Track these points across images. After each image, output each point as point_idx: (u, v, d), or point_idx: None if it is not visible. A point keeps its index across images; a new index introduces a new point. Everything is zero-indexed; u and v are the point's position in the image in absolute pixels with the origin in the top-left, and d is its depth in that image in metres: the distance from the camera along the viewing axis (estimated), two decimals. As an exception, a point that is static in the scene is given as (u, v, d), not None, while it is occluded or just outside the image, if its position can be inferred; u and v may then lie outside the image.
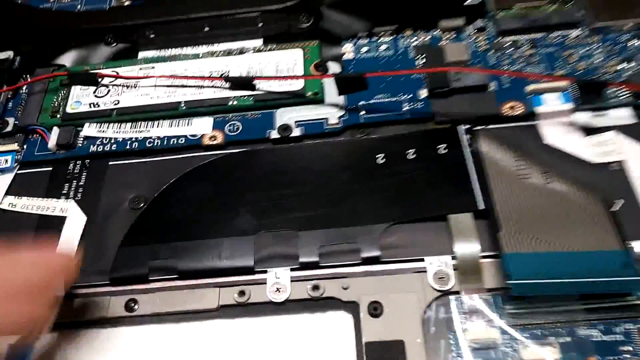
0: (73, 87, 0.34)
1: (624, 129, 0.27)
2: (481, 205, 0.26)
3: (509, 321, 0.23)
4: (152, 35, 0.36)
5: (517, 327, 0.23)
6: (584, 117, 0.28)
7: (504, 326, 0.23)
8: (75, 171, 0.31)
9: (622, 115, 0.28)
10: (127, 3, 0.40)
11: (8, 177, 0.32)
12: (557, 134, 0.28)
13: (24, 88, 0.35)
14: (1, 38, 0.38)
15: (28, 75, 0.36)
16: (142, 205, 0.29)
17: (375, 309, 0.24)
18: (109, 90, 0.33)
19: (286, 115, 0.31)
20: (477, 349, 0.23)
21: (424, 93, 0.30)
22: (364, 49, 0.34)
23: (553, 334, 0.23)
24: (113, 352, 0.25)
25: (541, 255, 0.23)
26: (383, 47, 0.33)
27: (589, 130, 0.28)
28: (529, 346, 0.22)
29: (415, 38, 0.33)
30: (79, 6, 0.40)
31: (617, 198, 0.25)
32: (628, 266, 0.22)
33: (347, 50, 0.34)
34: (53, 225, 0.29)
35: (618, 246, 0.23)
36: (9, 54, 0.37)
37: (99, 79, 0.34)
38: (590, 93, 0.27)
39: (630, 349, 0.22)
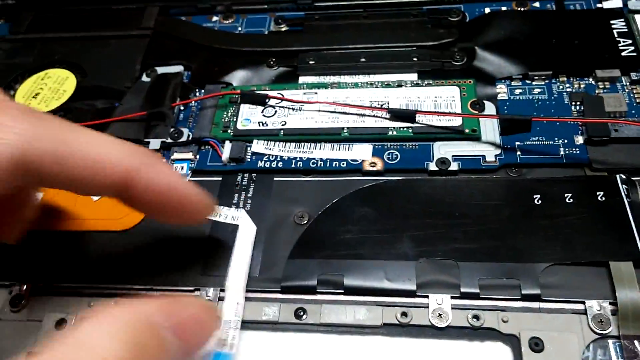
0: (242, 105, 0.37)
1: None
2: (641, 254, 0.27)
3: (670, 370, 0.25)
4: (311, 62, 0.39)
5: (678, 377, 0.24)
6: None
7: (667, 375, 0.25)
8: (243, 183, 0.35)
9: None
10: (284, 28, 0.43)
11: (183, 183, 0.35)
12: None
13: (195, 102, 0.39)
14: (172, 53, 0.42)
15: (197, 90, 0.40)
16: (306, 221, 0.32)
17: (537, 345, 0.26)
18: (275, 111, 0.37)
19: (444, 149, 0.33)
20: (639, 393, 0.24)
21: (580, 139, 0.32)
22: (518, 90, 0.35)
23: None
24: (281, 356, 0.28)
25: None
26: (537, 90, 0.35)
27: None
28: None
29: (569, 85, 0.35)
30: (239, 28, 0.44)
31: None
32: None
33: (501, 90, 0.36)
34: (225, 231, 0.33)
35: None
36: (180, 68, 0.41)
37: (267, 100, 0.37)
38: None
39: None
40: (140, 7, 0.45)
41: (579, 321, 0.26)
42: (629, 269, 0.27)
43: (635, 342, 0.26)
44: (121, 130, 0.37)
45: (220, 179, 0.35)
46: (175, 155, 0.36)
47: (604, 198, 0.30)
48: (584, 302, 0.27)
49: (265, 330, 0.29)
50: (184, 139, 0.37)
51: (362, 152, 0.34)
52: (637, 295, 0.26)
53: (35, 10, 0.47)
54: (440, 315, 0.28)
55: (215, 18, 0.46)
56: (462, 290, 0.28)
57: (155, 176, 0.25)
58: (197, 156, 0.36)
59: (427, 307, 0.28)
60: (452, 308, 0.28)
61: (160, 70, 0.41)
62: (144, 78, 0.41)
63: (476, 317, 0.28)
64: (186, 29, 0.44)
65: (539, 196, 0.30)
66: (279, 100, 0.37)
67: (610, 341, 0.26)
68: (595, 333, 0.26)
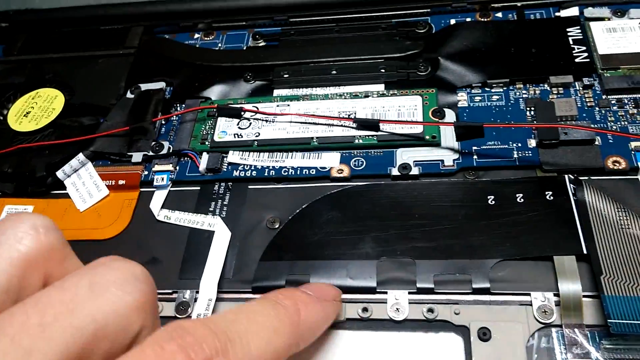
0: (219, 119, 0.40)
1: None
2: (584, 250, 0.29)
3: (605, 355, 0.27)
4: (285, 75, 0.42)
5: (613, 360, 0.27)
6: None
7: (601, 359, 0.27)
8: (220, 192, 0.38)
9: None
10: (262, 44, 0.46)
11: (163, 193, 0.38)
12: (659, 190, 0.31)
13: (175, 116, 0.42)
14: (155, 70, 0.45)
15: (178, 105, 0.43)
16: (277, 225, 0.35)
17: (485, 334, 0.29)
18: (250, 123, 0.39)
19: (406, 155, 0.36)
20: (577, 377, 0.27)
21: (533, 142, 0.35)
22: (477, 98, 0.38)
23: (647, 370, 0.26)
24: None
25: (637, 298, 0.27)
26: (495, 97, 0.38)
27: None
28: (623, 378, 0.26)
29: (525, 91, 0.38)
30: (219, 44, 0.47)
31: None
32: None
33: (462, 98, 0.38)
34: (202, 238, 0.35)
35: None
36: (162, 84, 0.44)
37: (243, 113, 0.40)
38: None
39: None
40: (125, 27, 0.49)
41: (525, 312, 0.29)
42: (572, 263, 0.29)
43: (576, 330, 0.28)
44: (106, 144, 0.40)
45: (198, 188, 0.38)
46: (156, 167, 0.39)
47: (552, 197, 0.32)
48: (529, 294, 0.29)
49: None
50: (164, 151, 0.40)
51: (330, 160, 0.37)
52: (578, 287, 0.28)
53: (27, 33, 0.50)
54: (398, 309, 0.30)
55: (197, 35, 0.48)
56: (419, 286, 0.31)
57: None
58: (177, 167, 0.39)
59: (386, 303, 0.31)
60: (409, 303, 0.31)
61: (144, 87, 0.44)
62: (129, 95, 0.44)
63: (431, 310, 0.30)
64: (169, 47, 0.47)
65: (492, 197, 0.33)
66: (254, 113, 0.40)
67: (553, 330, 0.28)
68: (540, 322, 0.28)
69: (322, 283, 0.31)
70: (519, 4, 0.42)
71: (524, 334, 0.28)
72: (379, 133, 0.37)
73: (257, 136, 0.39)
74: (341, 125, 0.38)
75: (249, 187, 0.37)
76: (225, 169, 0.38)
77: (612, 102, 0.35)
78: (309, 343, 0.26)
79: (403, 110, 0.38)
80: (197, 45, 0.48)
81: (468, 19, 0.43)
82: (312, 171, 0.37)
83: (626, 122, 0.34)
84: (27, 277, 0.18)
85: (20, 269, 0.18)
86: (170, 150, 0.40)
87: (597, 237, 0.30)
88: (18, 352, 0.16)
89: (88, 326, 0.17)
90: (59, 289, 0.18)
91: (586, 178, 0.32)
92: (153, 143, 0.40)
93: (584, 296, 0.29)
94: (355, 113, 0.38)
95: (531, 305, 0.29)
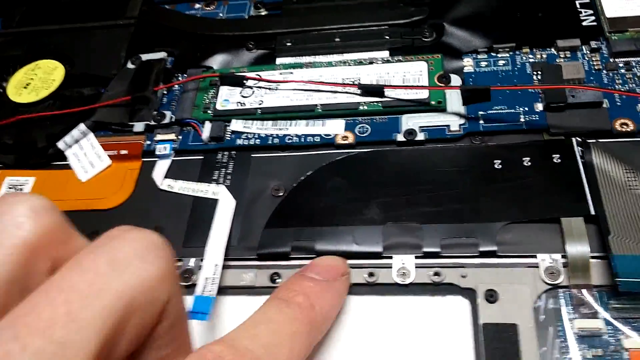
0: (222, 87, 0.40)
1: None
2: (592, 211, 0.30)
3: (613, 314, 0.27)
4: (288, 44, 0.42)
5: (620, 319, 0.27)
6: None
7: (609, 318, 0.27)
8: (223, 160, 0.38)
9: None
10: (264, 13, 0.46)
11: (166, 163, 0.39)
12: (667, 151, 0.31)
13: (178, 86, 0.42)
14: (156, 40, 0.45)
15: (179, 75, 0.43)
16: (282, 193, 0.35)
17: (491, 296, 0.29)
18: (253, 92, 0.40)
19: (411, 121, 0.36)
20: (583, 337, 0.27)
21: (540, 106, 0.35)
22: (483, 63, 0.38)
23: (653, 327, 0.27)
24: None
25: (645, 258, 0.27)
26: (501, 62, 0.38)
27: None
28: (632, 336, 0.27)
29: (532, 55, 0.38)
30: (221, 14, 0.47)
31: None
32: None
33: (468, 64, 0.38)
34: (206, 207, 0.36)
35: None
36: (163, 54, 0.44)
37: (245, 81, 0.40)
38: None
39: None
40: (125, -3, 0.48)
41: (532, 274, 0.29)
42: (580, 224, 0.30)
43: (584, 290, 0.28)
44: (107, 114, 0.40)
45: (202, 157, 0.38)
46: (159, 137, 0.39)
47: (559, 160, 0.32)
48: (536, 256, 0.29)
49: (244, 294, 0.32)
50: (166, 121, 0.40)
51: (335, 127, 0.37)
52: (586, 249, 0.29)
53: (26, 4, 0.50)
54: (404, 273, 0.31)
55: (197, 5, 0.48)
56: (425, 250, 0.31)
57: None
58: (180, 137, 0.39)
59: (392, 267, 0.31)
60: (416, 267, 0.31)
61: (145, 57, 0.44)
62: (129, 65, 0.44)
63: (437, 274, 0.30)
64: (169, 17, 0.47)
65: (499, 161, 0.33)
66: (257, 81, 0.40)
67: (560, 291, 0.29)
68: (547, 284, 0.29)
69: (328, 257, 0.31)
70: (526, -32, 0.42)
71: (531, 296, 0.29)
72: (384, 99, 0.37)
73: (260, 104, 0.39)
74: (345, 92, 0.38)
75: (253, 155, 0.37)
76: (228, 138, 0.38)
77: (620, 65, 0.35)
78: (327, 329, 0.27)
79: (408, 76, 0.38)
80: (199, 16, 0.47)
81: (474, -16, 0.43)
82: (317, 139, 0.37)
83: (634, 85, 0.34)
84: (33, 264, 0.17)
85: (24, 257, 0.17)
86: (173, 120, 0.40)
87: (605, 198, 0.30)
88: (52, 348, 0.15)
89: (117, 305, 0.16)
90: (78, 271, 0.17)
91: (594, 140, 0.33)
92: (155, 112, 0.40)
93: (592, 257, 0.29)
94: (359, 80, 0.38)
95: (538, 267, 0.29)
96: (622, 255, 0.27)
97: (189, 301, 0.29)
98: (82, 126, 0.40)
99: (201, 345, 0.21)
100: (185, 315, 0.21)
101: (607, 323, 0.27)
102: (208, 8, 0.48)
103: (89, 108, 0.40)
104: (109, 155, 0.39)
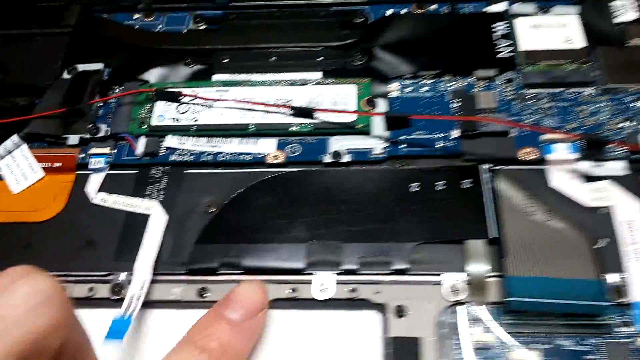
0: (157, 102, 0.43)
1: (617, 179, 0.35)
2: (493, 234, 0.34)
3: (504, 329, 0.32)
4: (225, 60, 0.45)
5: (510, 334, 0.31)
6: (586, 166, 0.36)
7: (500, 333, 0.32)
8: (157, 176, 0.40)
9: (617, 167, 0.36)
10: (202, 27, 0.49)
11: (101, 176, 0.41)
12: (561, 179, 0.36)
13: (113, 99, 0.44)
14: (93, 51, 0.47)
15: (116, 87, 0.45)
16: (213, 210, 0.38)
17: (400, 311, 0.33)
18: (189, 108, 0.42)
19: (338, 143, 0.40)
20: (477, 349, 0.31)
21: (455, 133, 0.39)
22: (408, 88, 0.42)
23: (538, 341, 0.31)
24: (184, 330, 0.34)
25: (535, 279, 0.31)
26: (424, 88, 0.42)
27: (588, 178, 0.36)
28: (517, 350, 0.31)
29: (453, 83, 0.42)
30: (160, 25, 0.50)
31: (603, 237, 0.33)
32: (600, 294, 0.30)
33: (394, 88, 0.42)
34: (138, 222, 0.38)
35: (595, 277, 0.31)
36: (100, 66, 0.47)
37: (181, 97, 0.43)
38: (593, 148, 0.35)
39: (596, 357, 0.30)
40: (62, 4, 0.50)
41: (437, 291, 0.33)
42: (480, 246, 0.34)
43: (480, 307, 0.33)
44: (42, 126, 0.42)
45: (136, 172, 0.41)
46: (93, 150, 0.41)
47: (468, 185, 0.36)
48: (441, 275, 0.33)
49: (172, 308, 0.35)
50: (101, 134, 0.42)
51: (266, 146, 0.40)
52: (484, 269, 0.33)
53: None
54: (323, 289, 0.34)
55: (137, 15, 0.51)
56: (344, 267, 0.34)
57: None
58: (114, 151, 0.42)
59: (313, 283, 0.34)
60: (336, 283, 0.34)
61: (81, 67, 0.46)
62: (65, 75, 0.46)
63: (354, 290, 0.34)
64: (107, 27, 0.49)
65: (416, 184, 0.37)
66: (192, 98, 0.43)
67: (460, 307, 0.33)
68: (449, 301, 0.33)
69: (249, 288, 0.32)
70: (452, -3, 0.46)
71: (435, 311, 0.33)
72: (314, 121, 0.40)
73: (195, 121, 0.42)
74: (278, 112, 0.41)
75: (186, 171, 0.40)
76: (162, 153, 0.41)
77: (530, 95, 0.40)
78: None
79: (338, 98, 0.41)
80: (137, 26, 0.50)
81: (404, 10, 0.47)
82: (249, 157, 0.40)
83: (541, 115, 0.39)
84: None
85: None
86: (108, 133, 0.42)
87: (506, 222, 0.34)
88: None
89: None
90: None
91: (500, 167, 0.37)
92: (90, 125, 0.42)
93: (490, 277, 0.33)
94: (292, 100, 0.42)
95: (442, 284, 0.33)
96: (515, 276, 0.32)
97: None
98: (15, 137, 0.42)
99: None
100: (86, 348, 0.22)
101: (499, 337, 0.32)
102: (147, 19, 0.50)
103: (23, 119, 0.42)
104: (43, 168, 0.41)
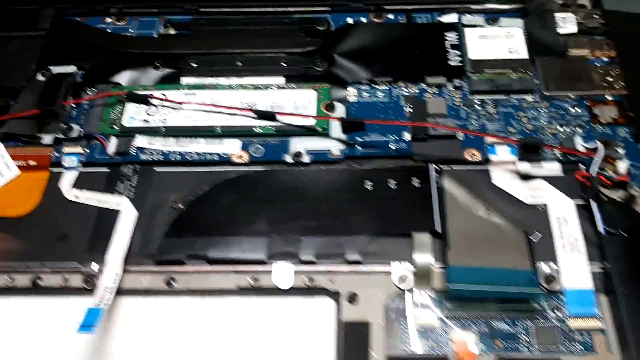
0: (128, 104, 0.46)
1: (552, 180, 0.40)
2: (438, 228, 0.38)
3: (446, 313, 0.36)
4: (194, 64, 0.49)
5: (451, 318, 0.36)
6: (525, 167, 0.41)
7: (442, 317, 0.36)
8: (127, 174, 0.44)
9: (553, 168, 0.40)
10: (172, 32, 0.52)
11: (74, 174, 0.44)
12: (502, 178, 0.40)
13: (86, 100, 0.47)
14: (66, 54, 0.50)
15: (89, 89, 0.48)
16: (181, 206, 0.42)
17: (353, 298, 0.37)
18: (158, 110, 0.46)
19: (299, 144, 0.44)
20: (421, 332, 0.35)
21: (407, 136, 0.43)
22: (365, 94, 0.46)
23: (476, 324, 0.35)
24: (153, 317, 0.38)
25: (474, 269, 0.36)
26: (380, 94, 0.46)
27: (527, 177, 0.40)
28: (457, 331, 0.35)
29: (406, 89, 0.46)
30: (131, 30, 0.53)
31: (538, 231, 0.38)
32: (532, 282, 0.35)
33: (352, 93, 0.46)
34: (110, 217, 0.42)
35: (528, 266, 0.35)
36: (74, 68, 0.50)
37: (150, 100, 0.46)
38: (529, 151, 0.40)
39: (527, 339, 0.35)
40: (36, 8, 0.53)
41: (387, 279, 0.37)
42: (426, 238, 0.38)
43: (425, 293, 0.37)
44: (17, 126, 0.45)
45: (107, 170, 0.44)
46: (66, 149, 0.45)
47: (418, 183, 0.40)
48: (391, 265, 0.37)
49: (142, 296, 0.39)
50: (74, 134, 0.45)
51: (231, 147, 0.44)
52: (429, 259, 0.37)
53: None
54: (283, 279, 0.38)
55: (109, 20, 0.54)
56: (302, 258, 0.38)
57: None
58: (87, 150, 0.45)
59: (273, 273, 0.38)
60: (294, 273, 0.38)
61: (55, 70, 0.49)
62: (39, 77, 0.49)
63: (311, 279, 0.38)
64: (80, 31, 0.52)
65: (370, 183, 0.41)
66: (162, 100, 0.46)
67: (408, 294, 0.37)
68: (397, 288, 0.37)
69: None
70: (409, 7, 0.50)
71: (384, 297, 0.37)
72: (276, 123, 0.44)
73: (164, 122, 0.45)
74: (242, 115, 0.45)
75: (155, 169, 0.44)
76: (133, 153, 0.44)
77: (476, 102, 0.44)
78: None
79: (299, 103, 0.45)
80: (109, 30, 0.53)
81: (363, 19, 0.51)
82: (215, 157, 0.44)
83: (486, 120, 0.43)
84: None
85: None
86: (81, 134, 0.45)
87: (450, 217, 0.38)
88: None
89: None
90: None
91: (447, 167, 0.41)
92: (63, 126, 0.45)
93: (435, 266, 0.37)
94: (256, 104, 0.45)
95: (391, 274, 0.37)
96: (456, 266, 0.36)
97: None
98: (-9, 137, 0.45)
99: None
100: None
101: (441, 321, 0.36)
102: (119, 23, 0.53)
103: (-1, 119, 0.45)
104: (18, 166, 0.44)
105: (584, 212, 0.38)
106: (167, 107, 0.46)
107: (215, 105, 0.45)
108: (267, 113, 0.44)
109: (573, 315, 0.35)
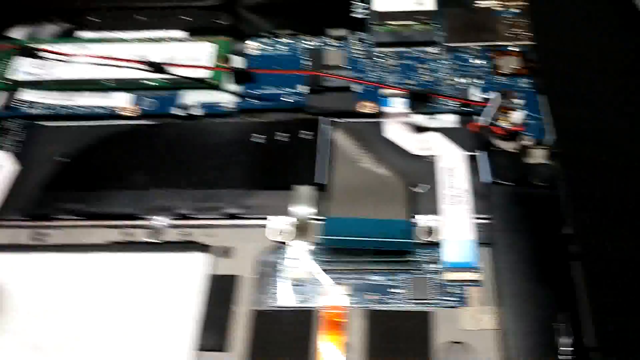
0: (17, 57, 0.45)
1: (447, 131, 0.39)
2: (320, 180, 0.37)
3: (320, 267, 0.35)
4: (89, 18, 0.47)
5: (326, 271, 0.35)
6: (420, 119, 0.39)
7: (316, 271, 0.35)
8: (12, 128, 0.43)
9: (448, 120, 0.39)
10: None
11: (-44, 127, 0.43)
12: (395, 131, 0.39)
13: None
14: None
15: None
16: (65, 160, 0.41)
17: (226, 252, 0.36)
18: (48, 63, 0.45)
19: (191, 97, 0.42)
20: (294, 285, 0.34)
21: (302, 88, 0.42)
22: (266, 47, 0.45)
23: (351, 278, 0.34)
24: (21, 274, 0.36)
25: (350, 220, 0.35)
26: (282, 47, 0.45)
27: (421, 129, 0.39)
28: (328, 285, 0.34)
29: (308, 42, 0.45)
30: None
31: (424, 183, 0.37)
32: (406, 232, 0.34)
33: (253, 47, 0.45)
34: (-8, 171, 0.40)
35: (405, 217, 0.34)
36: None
37: (40, 53, 0.45)
38: (419, 100, 0.39)
39: (402, 291, 0.34)
40: None
41: (264, 233, 0.36)
42: (307, 191, 0.37)
43: (301, 246, 0.35)
44: None
45: (-9, 124, 0.43)
46: (-50, 103, 0.43)
47: (307, 136, 0.39)
48: (269, 218, 0.36)
49: (16, 252, 0.37)
50: (-42, 87, 0.44)
51: (121, 100, 0.43)
52: (308, 212, 0.36)
53: None
54: (159, 232, 0.37)
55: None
56: (178, 212, 0.37)
57: None
58: (-27, 104, 0.44)
59: (150, 228, 0.37)
60: (170, 227, 0.37)
61: (-53, 23, 0.48)
62: None
63: (188, 233, 0.37)
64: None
65: (261, 136, 0.40)
66: (53, 54, 0.45)
67: (284, 247, 0.36)
68: (275, 242, 0.36)
69: None
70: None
71: (259, 251, 0.36)
72: (169, 76, 0.43)
73: (54, 76, 0.44)
74: (134, 68, 0.43)
75: (42, 124, 0.43)
76: (19, 107, 0.43)
77: (377, 54, 0.43)
78: None
79: (196, 56, 0.44)
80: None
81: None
82: (103, 110, 0.42)
83: (385, 73, 0.42)
84: None
85: None
86: (-33, 87, 0.44)
87: (335, 170, 0.37)
88: None
89: None
90: None
91: (340, 120, 0.40)
92: (-52, 79, 0.44)
93: (314, 219, 0.36)
94: (149, 57, 0.44)
95: (268, 227, 0.36)
96: (332, 218, 0.35)
97: None
98: None
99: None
100: None
101: (315, 274, 0.35)
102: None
103: None
104: None
105: (477, 165, 0.37)
106: (57, 60, 0.45)
107: (104, 58, 0.44)
108: (158, 65, 0.43)
109: (449, 267, 0.34)
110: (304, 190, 0.37)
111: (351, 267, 0.35)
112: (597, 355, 0.30)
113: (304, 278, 0.35)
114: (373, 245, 0.34)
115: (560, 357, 0.30)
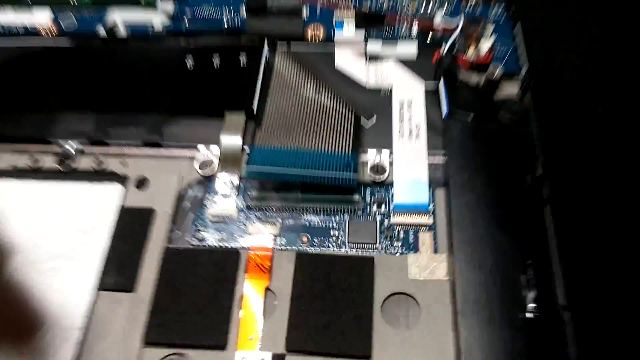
0: None
1: (405, 62, 0.35)
2: (253, 107, 0.33)
3: (248, 203, 0.30)
4: None
5: (253, 208, 0.30)
6: (376, 48, 0.35)
7: (242, 206, 0.30)
8: None
9: (408, 50, 0.35)
10: None
11: None
12: (346, 59, 0.35)
13: None
14: None
15: None
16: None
17: (142, 183, 0.31)
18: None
19: (118, 17, 0.38)
20: (216, 222, 0.30)
21: (243, 10, 0.37)
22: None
23: (281, 216, 0.30)
24: None
25: (281, 150, 0.30)
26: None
27: (376, 59, 0.35)
28: (255, 223, 0.30)
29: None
30: None
31: (376, 116, 0.32)
32: (348, 166, 0.29)
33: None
34: None
35: (348, 151, 0.30)
36: None
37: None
38: (371, 23, 0.34)
39: (337, 234, 0.29)
40: None
41: (188, 164, 0.32)
42: (240, 119, 0.32)
43: (230, 180, 0.31)
44: None
45: None
46: None
47: (246, 61, 0.35)
48: (195, 148, 0.32)
49: None
50: None
51: (41, 17, 0.38)
52: (238, 141, 0.32)
53: None
54: (68, 160, 0.32)
55: None
56: (91, 136, 0.33)
57: None
58: None
59: (58, 154, 0.32)
60: (81, 153, 0.33)
61: None
62: None
63: (100, 162, 0.32)
64: None
65: (192, 61, 0.35)
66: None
67: (210, 181, 0.31)
68: (198, 174, 0.31)
69: None
70: None
71: (179, 184, 0.31)
72: (95, -10, 0.38)
73: (-36, -13, 0.39)
74: (56, -20, 0.39)
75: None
76: None
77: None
78: None
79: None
80: None
81: None
82: (22, 29, 0.38)
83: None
84: None
85: None
86: None
87: (271, 97, 0.33)
88: None
89: None
90: None
91: (284, 45, 0.36)
92: None
93: (246, 151, 0.32)
94: (74, -31, 0.39)
95: (194, 158, 0.32)
96: (260, 148, 0.30)
97: None
98: None
99: None
100: None
101: (241, 210, 0.30)
102: None
103: None
104: None
105: (437, 98, 0.33)
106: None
107: (23, -32, 0.39)
108: (82, -24, 0.38)
109: (398, 210, 0.29)
110: (236, 117, 0.32)
111: (283, 204, 0.30)
112: (567, 314, 0.26)
113: (229, 214, 0.30)
114: (307, 179, 0.30)
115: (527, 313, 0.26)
